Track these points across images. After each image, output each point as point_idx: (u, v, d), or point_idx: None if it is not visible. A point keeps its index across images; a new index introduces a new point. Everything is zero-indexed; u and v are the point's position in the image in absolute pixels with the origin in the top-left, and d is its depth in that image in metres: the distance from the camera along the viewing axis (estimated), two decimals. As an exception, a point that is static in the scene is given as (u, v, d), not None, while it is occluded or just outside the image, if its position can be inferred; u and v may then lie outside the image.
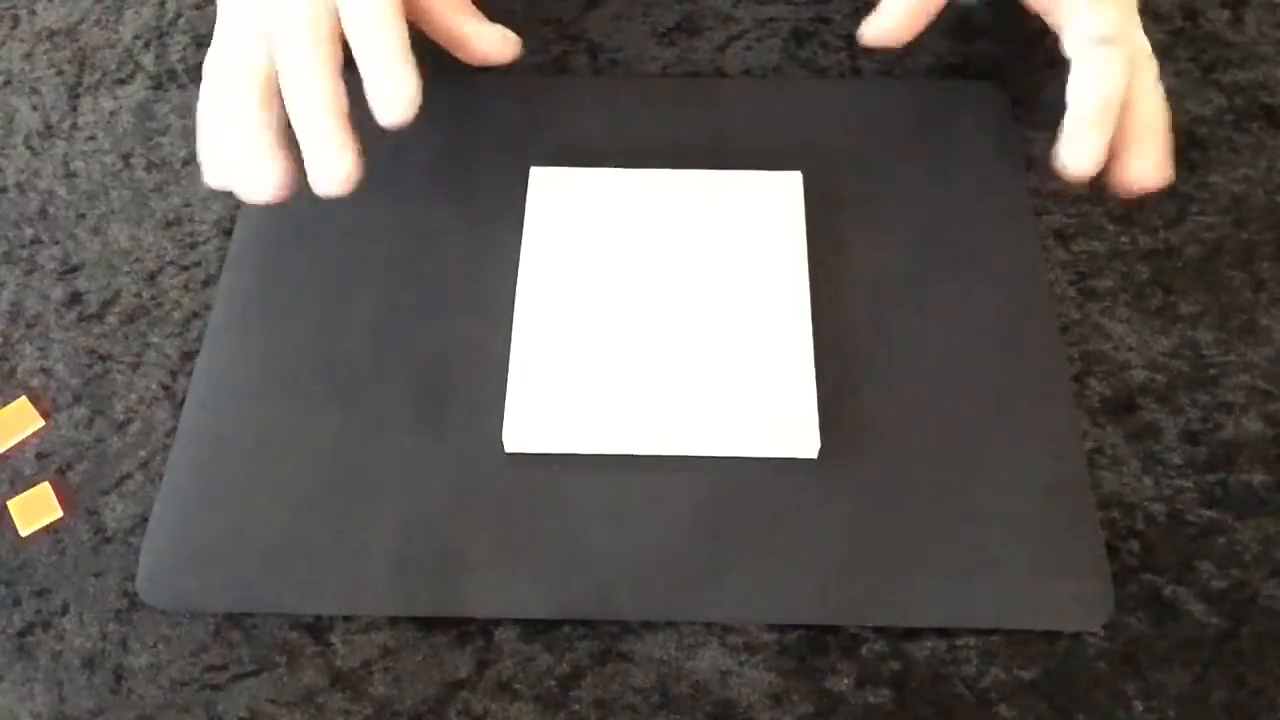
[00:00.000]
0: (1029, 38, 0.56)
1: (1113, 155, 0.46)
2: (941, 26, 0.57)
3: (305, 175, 0.43)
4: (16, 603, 0.43)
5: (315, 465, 0.44)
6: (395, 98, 0.43)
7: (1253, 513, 0.44)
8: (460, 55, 0.50)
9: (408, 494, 0.43)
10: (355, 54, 0.43)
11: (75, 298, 0.50)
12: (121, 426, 0.46)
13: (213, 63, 0.46)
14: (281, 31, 0.43)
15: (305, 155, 0.43)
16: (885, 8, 0.50)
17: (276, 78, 0.43)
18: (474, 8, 0.50)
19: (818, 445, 0.43)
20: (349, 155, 0.42)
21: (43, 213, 0.52)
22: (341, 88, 0.43)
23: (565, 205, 0.49)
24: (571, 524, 0.43)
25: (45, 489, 0.45)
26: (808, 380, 0.45)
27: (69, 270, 0.50)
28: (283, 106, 0.43)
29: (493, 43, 0.49)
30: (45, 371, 0.48)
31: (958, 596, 0.42)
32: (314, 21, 0.43)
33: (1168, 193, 0.52)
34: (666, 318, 0.46)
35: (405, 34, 0.43)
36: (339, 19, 0.44)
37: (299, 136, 0.43)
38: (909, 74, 0.55)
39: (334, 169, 0.42)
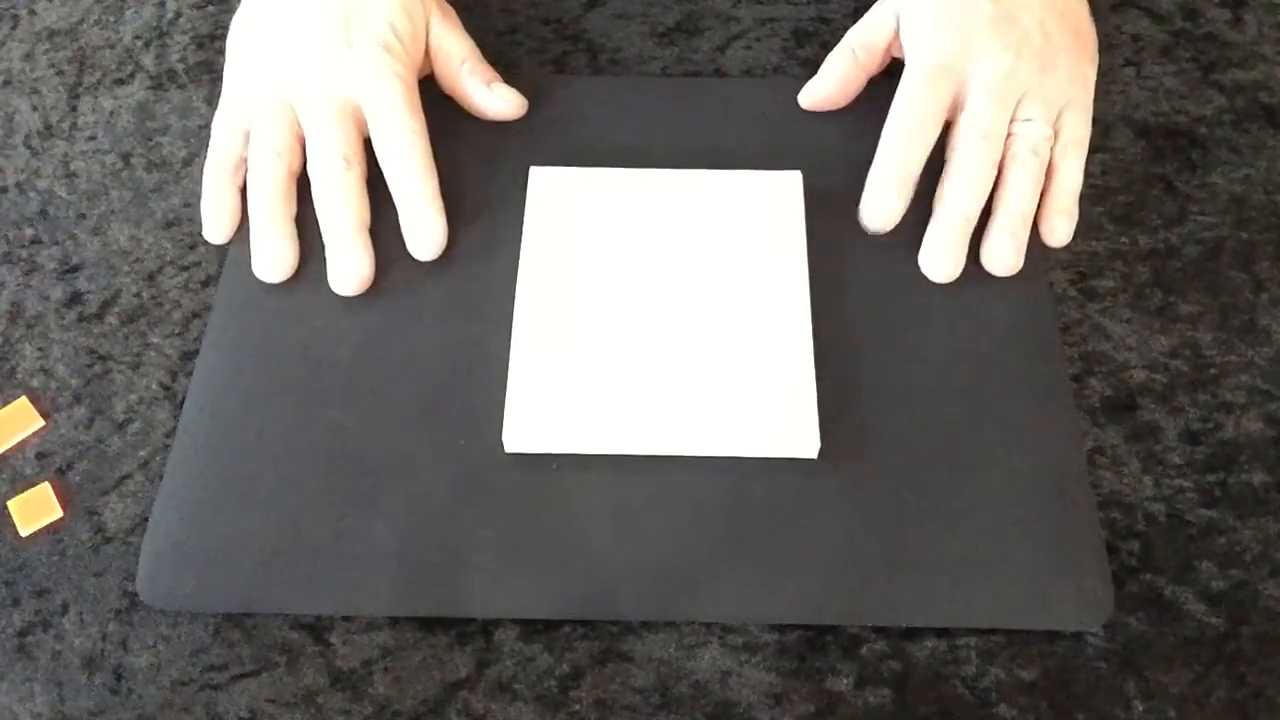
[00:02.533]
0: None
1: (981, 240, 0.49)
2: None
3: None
4: (16, 603, 0.43)
5: (315, 466, 0.44)
6: (429, 241, 0.49)
7: (1253, 513, 0.44)
8: (471, 112, 0.53)
9: (408, 494, 0.43)
10: (393, 192, 0.49)
11: (75, 298, 0.50)
12: (121, 426, 0.46)
13: (226, 128, 0.50)
14: (317, 142, 0.48)
15: (329, 256, 0.48)
16: (821, 76, 0.53)
17: (300, 171, 0.49)
18: (485, 68, 0.53)
19: (818, 445, 0.43)
20: (367, 262, 0.48)
21: (43, 213, 0.52)
22: (366, 200, 0.49)
23: (565, 205, 0.49)
24: (571, 524, 0.43)
25: (45, 489, 0.45)
26: (808, 380, 0.45)
27: (69, 270, 0.50)
28: (296, 196, 0.49)
29: (498, 104, 0.53)
30: (45, 371, 0.48)
31: (958, 596, 0.42)
32: (347, 136, 0.49)
33: (1168, 193, 0.52)
34: (666, 318, 0.46)
35: (436, 180, 0.49)
36: (363, 121, 0.49)
37: (326, 240, 0.48)
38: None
39: (354, 274, 0.48)
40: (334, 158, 0.48)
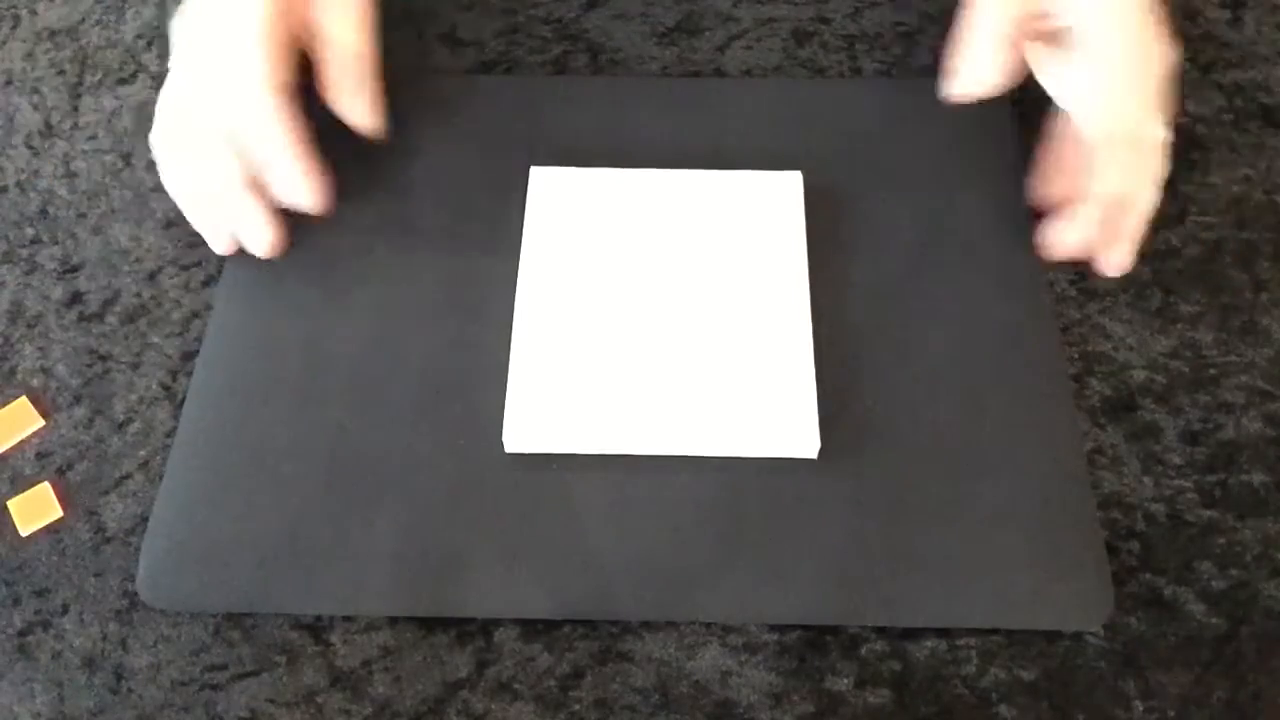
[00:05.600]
0: (1029, 38, 0.56)
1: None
2: (941, 26, 0.57)
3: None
4: (16, 603, 0.43)
5: (315, 465, 0.44)
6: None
7: (1253, 513, 0.44)
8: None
9: (408, 494, 0.43)
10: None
11: (75, 298, 0.50)
12: (121, 426, 0.46)
13: (173, 134, 0.48)
14: (258, 142, 0.47)
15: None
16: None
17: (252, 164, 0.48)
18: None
19: (818, 445, 0.43)
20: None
21: (43, 213, 0.52)
22: (315, 172, 0.48)
23: (565, 205, 0.49)
24: (571, 524, 0.43)
25: (45, 489, 0.45)
26: (808, 380, 0.45)
27: (69, 270, 0.50)
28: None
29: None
30: (45, 371, 0.48)
31: (958, 596, 0.42)
32: (285, 119, 0.46)
33: (1168, 193, 0.52)
34: (666, 318, 0.46)
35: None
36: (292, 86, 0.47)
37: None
38: (909, 74, 0.55)
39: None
40: (284, 152, 0.48)
